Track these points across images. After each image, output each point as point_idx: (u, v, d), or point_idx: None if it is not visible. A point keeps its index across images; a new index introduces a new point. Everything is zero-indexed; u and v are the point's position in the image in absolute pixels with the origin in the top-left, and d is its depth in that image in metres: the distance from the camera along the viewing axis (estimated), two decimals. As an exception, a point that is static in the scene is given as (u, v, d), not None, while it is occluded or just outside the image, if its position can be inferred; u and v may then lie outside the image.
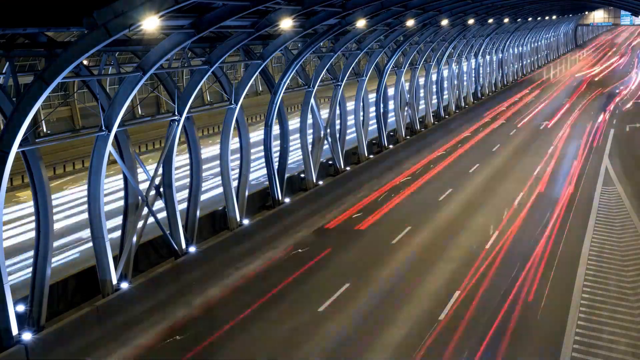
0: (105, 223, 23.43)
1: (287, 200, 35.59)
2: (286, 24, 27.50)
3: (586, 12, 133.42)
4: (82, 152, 48.12)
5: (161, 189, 27.23)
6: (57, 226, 27.88)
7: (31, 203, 23.63)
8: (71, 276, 24.96)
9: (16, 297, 21.06)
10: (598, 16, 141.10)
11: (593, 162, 47.99)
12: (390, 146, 50.96)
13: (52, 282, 22.37)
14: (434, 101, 64.95)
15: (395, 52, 49.69)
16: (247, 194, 32.61)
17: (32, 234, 23.27)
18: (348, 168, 43.21)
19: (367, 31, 40.14)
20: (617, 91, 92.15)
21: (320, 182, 39.33)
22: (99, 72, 30.03)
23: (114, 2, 19.00)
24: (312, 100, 38.79)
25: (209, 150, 49.96)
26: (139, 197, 25.75)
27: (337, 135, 42.70)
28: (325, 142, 40.61)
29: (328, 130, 40.88)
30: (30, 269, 21.71)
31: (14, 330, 20.23)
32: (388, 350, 21.86)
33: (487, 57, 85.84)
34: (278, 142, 36.20)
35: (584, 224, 33.76)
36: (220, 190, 32.86)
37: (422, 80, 61.79)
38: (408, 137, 54.89)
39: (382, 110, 50.08)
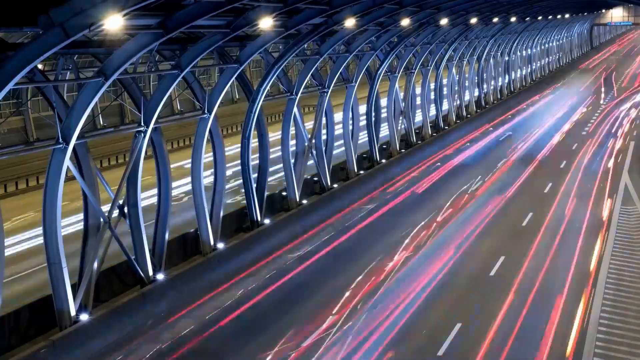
0: (62, 247, 23.52)
1: (267, 221, 35.75)
2: (266, 23, 27.79)
3: (603, 10, 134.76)
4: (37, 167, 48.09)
5: (125, 209, 27.35)
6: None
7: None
8: (24, 306, 25.02)
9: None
10: (616, 14, 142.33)
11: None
12: (383, 161, 51.25)
13: (2, 313, 22.43)
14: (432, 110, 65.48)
15: (388, 55, 50.02)
16: (221, 214, 32.77)
17: None
18: (335, 185, 43.42)
19: (357, 32, 40.48)
20: None
21: (304, 201, 39.51)
22: (55, 77, 30.24)
23: (72, -2, 19.20)
24: (295, 109, 38.97)
25: (180, 164, 50.08)
26: (101, 218, 25.87)
27: (323, 148, 42.80)
28: (310, 156, 40.83)
29: (313, 143, 41.08)
30: None
31: (-41, 367, 20.31)
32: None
33: (492, 61, 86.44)
34: (257, 156, 36.41)
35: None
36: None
37: (418, 87, 62.13)
38: (403, 150, 55.19)
39: (373, 121, 50.32)
